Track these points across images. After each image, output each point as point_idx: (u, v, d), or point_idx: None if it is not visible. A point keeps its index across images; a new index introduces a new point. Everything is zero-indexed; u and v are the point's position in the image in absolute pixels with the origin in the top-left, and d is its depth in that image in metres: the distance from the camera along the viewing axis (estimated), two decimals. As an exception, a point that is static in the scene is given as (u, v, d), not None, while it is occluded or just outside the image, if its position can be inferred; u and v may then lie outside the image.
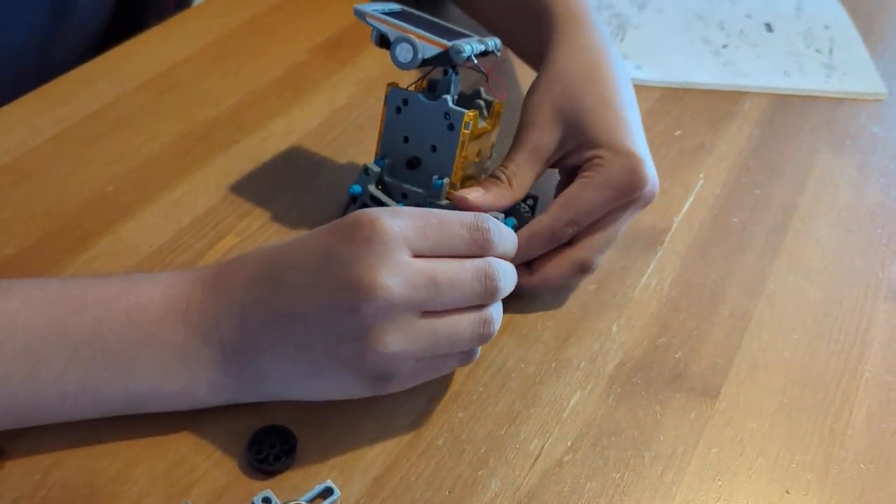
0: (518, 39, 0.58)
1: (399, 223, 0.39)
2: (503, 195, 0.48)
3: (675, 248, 0.56)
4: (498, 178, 0.48)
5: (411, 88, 0.50)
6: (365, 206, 0.50)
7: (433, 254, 0.40)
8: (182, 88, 0.64)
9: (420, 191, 0.49)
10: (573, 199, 0.48)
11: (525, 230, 0.48)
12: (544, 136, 0.49)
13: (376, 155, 0.51)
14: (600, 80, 0.50)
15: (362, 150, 0.60)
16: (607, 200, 0.48)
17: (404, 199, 0.50)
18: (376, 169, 0.50)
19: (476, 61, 0.47)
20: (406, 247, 0.38)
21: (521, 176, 0.48)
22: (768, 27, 0.78)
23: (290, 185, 0.57)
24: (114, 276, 0.44)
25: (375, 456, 0.42)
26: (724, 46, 0.75)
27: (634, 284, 0.53)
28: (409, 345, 0.39)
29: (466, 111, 0.47)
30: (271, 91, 0.65)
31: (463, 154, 0.48)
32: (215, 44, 0.68)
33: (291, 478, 0.41)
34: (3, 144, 0.56)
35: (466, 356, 0.42)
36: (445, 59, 0.47)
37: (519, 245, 0.47)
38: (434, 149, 0.49)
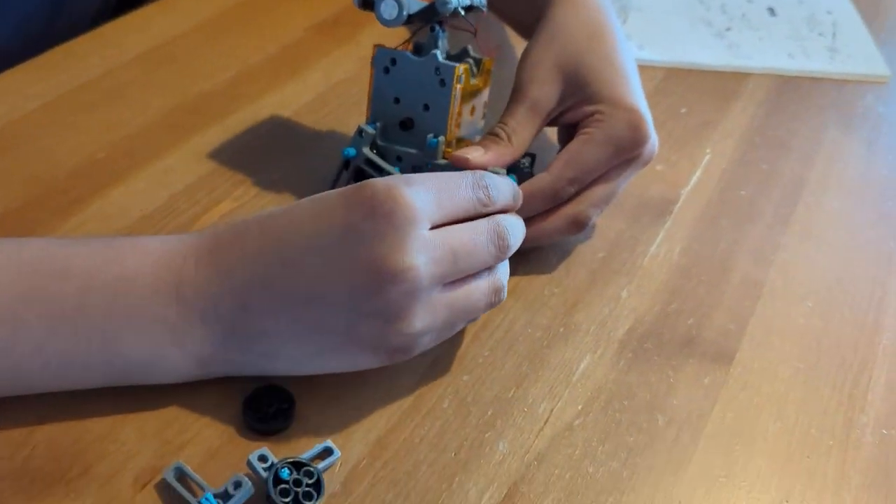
0: (511, 5, 0.57)
1: (418, 195, 0.36)
2: (503, 153, 0.46)
3: (683, 219, 0.54)
4: (497, 136, 0.47)
5: (401, 48, 0.48)
6: (359, 170, 0.48)
7: (447, 221, 0.38)
8: (176, 63, 0.62)
9: (415, 152, 0.48)
10: (575, 154, 0.46)
11: (526, 187, 0.46)
12: (544, 92, 0.47)
13: (367, 120, 0.49)
14: (602, 38, 0.49)
15: (361, 122, 0.58)
16: (609, 156, 0.46)
17: (399, 161, 0.48)
18: (371, 130, 0.48)
19: (464, 14, 0.46)
20: (427, 220, 0.37)
21: (521, 132, 0.47)
22: (771, 11, 0.77)
23: (286, 153, 0.55)
24: (99, 239, 0.41)
25: (377, 418, 0.40)
26: (728, 29, 0.74)
27: (644, 253, 0.51)
28: (432, 321, 0.37)
29: (457, 64, 0.46)
30: (267, 67, 0.63)
31: (457, 110, 0.47)
32: (211, 21, 0.67)
33: (288, 438, 0.39)
34: (-9, 112, 0.55)
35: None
36: (432, 13, 0.45)
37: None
38: (426, 107, 0.47)
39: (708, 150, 0.61)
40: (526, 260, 0.49)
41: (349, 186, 0.37)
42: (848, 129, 0.66)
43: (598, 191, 0.47)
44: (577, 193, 0.47)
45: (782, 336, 0.48)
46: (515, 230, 0.41)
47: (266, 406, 0.39)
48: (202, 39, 0.65)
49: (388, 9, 0.46)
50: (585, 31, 0.49)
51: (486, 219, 0.40)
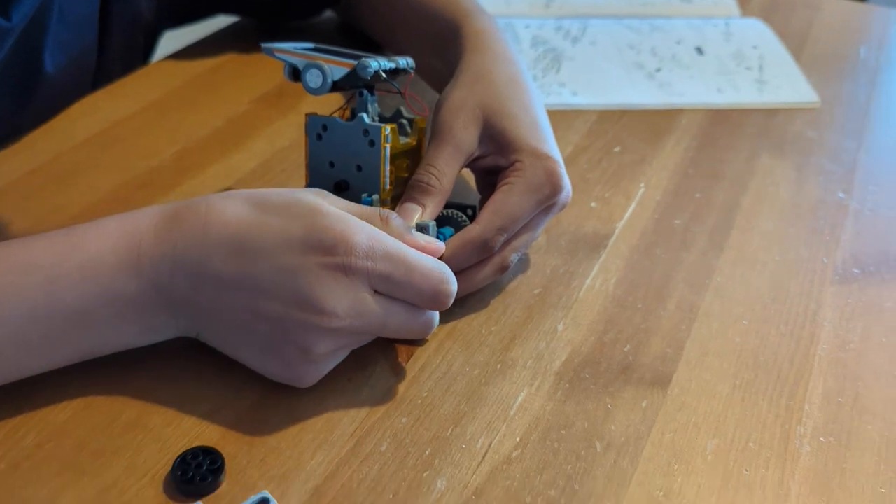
0: (428, 58, 0.59)
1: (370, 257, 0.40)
2: (438, 201, 0.48)
3: (618, 251, 0.56)
4: (427, 183, 0.48)
5: (336, 115, 0.50)
6: None
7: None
8: (123, 143, 0.64)
9: None
10: (500, 204, 0.48)
11: (457, 239, 0.47)
12: (468, 133, 0.49)
13: (306, 184, 0.51)
14: (521, 87, 0.51)
15: (301, 186, 0.60)
16: (532, 205, 0.48)
17: None
18: None
19: (385, 76, 0.48)
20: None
21: (449, 173, 0.48)
22: (699, 51, 0.80)
23: (229, 219, 0.56)
24: (60, 231, 0.43)
25: (315, 466, 0.41)
26: (658, 70, 0.77)
27: (579, 286, 0.53)
28: (350, 306, 0.40)
29: (383, 125, 0.48)
30: (212, 140, 0.65)
31: (388, 168, 0.49)
32: (157, 102, 0.69)
33: (226, 494, 0.39)
34: (-61, 203, 0.56)
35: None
36: (356, 78, 0.48)
37: (453, 255, 0.47)
38: (359, 168, 0.49)
39: (642, 185, 0.63)
40: (463, 300, 0.50)
41: None
42: (779, 154, 0.68)
43: (521, 238, 0.49)
44: (506, 243, 0.48)
45: (719, 356, 0.48)
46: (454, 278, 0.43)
47: (195, 468, 0.39)
48: (149, 119, 0.67)
49: (312, 78, 0.48)
50: (507, 79, 0.52)
51: None
